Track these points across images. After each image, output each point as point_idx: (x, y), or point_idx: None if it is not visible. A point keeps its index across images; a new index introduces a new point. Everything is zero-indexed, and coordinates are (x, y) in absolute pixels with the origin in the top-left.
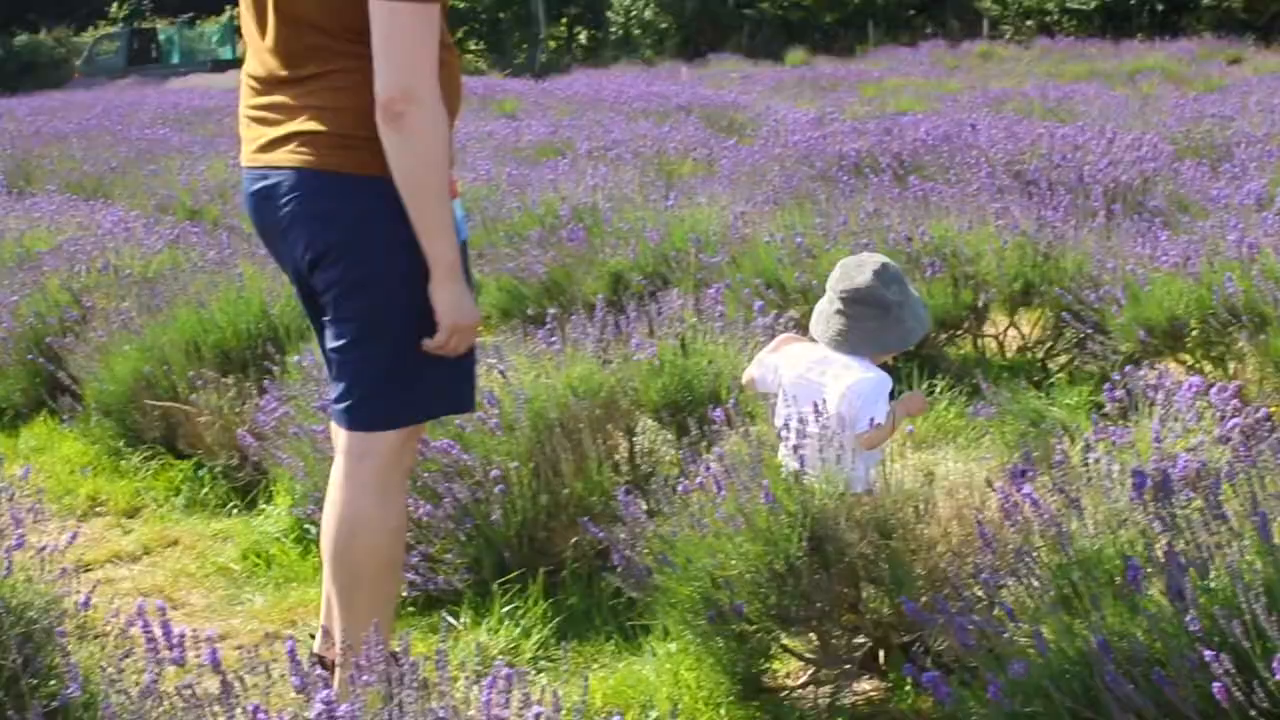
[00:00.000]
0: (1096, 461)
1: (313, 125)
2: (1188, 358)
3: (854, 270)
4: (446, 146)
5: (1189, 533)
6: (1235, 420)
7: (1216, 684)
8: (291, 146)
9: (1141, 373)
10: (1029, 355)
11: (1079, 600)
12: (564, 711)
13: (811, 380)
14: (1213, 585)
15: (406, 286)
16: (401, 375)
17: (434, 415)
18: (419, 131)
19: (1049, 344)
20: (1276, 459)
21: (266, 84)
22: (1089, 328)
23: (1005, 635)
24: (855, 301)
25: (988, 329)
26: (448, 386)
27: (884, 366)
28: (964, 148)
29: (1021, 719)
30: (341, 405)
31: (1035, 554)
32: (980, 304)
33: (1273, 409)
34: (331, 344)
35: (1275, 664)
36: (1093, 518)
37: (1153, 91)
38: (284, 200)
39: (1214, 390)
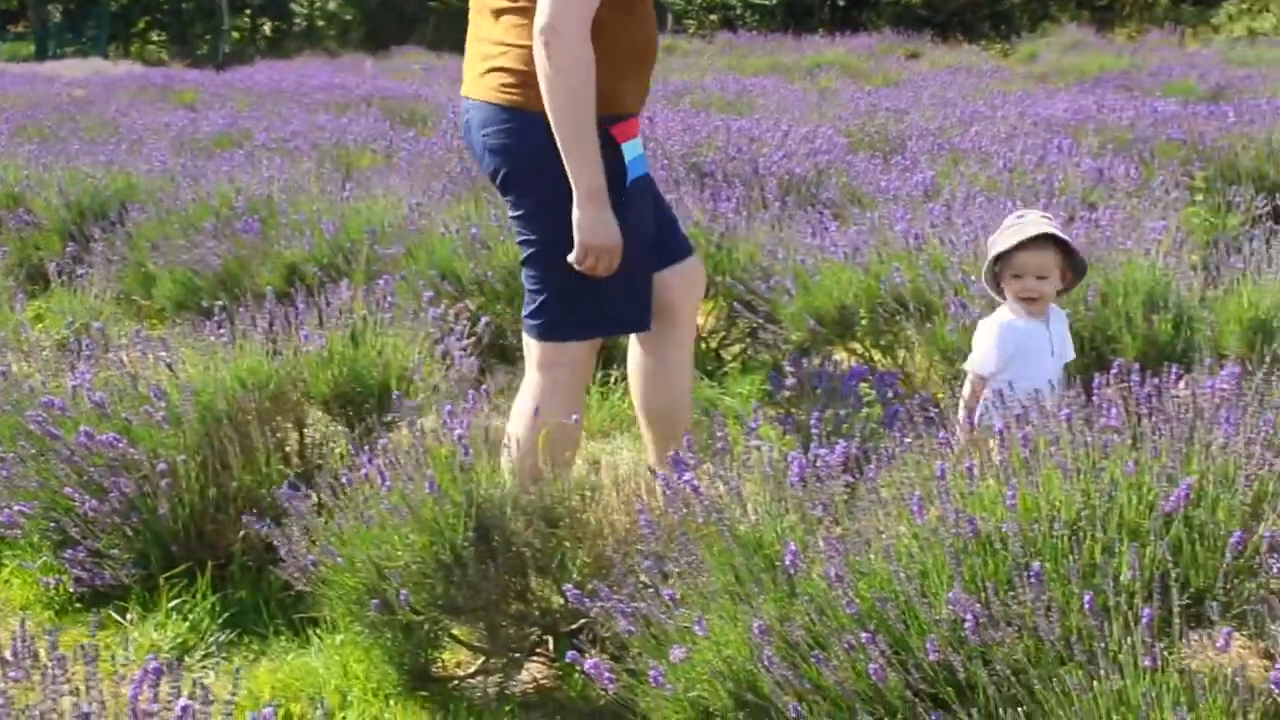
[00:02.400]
0: (758, 448)
1: (502, 62)
2: (858, 346)
3: None
4: (586, 81)
5: (847, 517)
6: (897, 407)
7: (873, 665)
8: (484, 81)
9: (808, 361)
10: (703, 345)
11: (740, 585)
12: (215, 704)
13: None
14: (869, 568)
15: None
16: (573, 295)
17: (608, 333)
18: (558, 63)
19: (722, 334)
20: (935, 444)
21: (475, 21)
22: (761, 318)
23: (668, 621)
24: None
25: None
26: (619, 307)
27: None
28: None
29: (685, 704)
30: (529, 319)
31: (698, 540)
32: None
33: (938, 395)
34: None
35: (929, 644)
36: (755, 504)
37: (831, 86)
38: (476, 131)
39: (876, 377)
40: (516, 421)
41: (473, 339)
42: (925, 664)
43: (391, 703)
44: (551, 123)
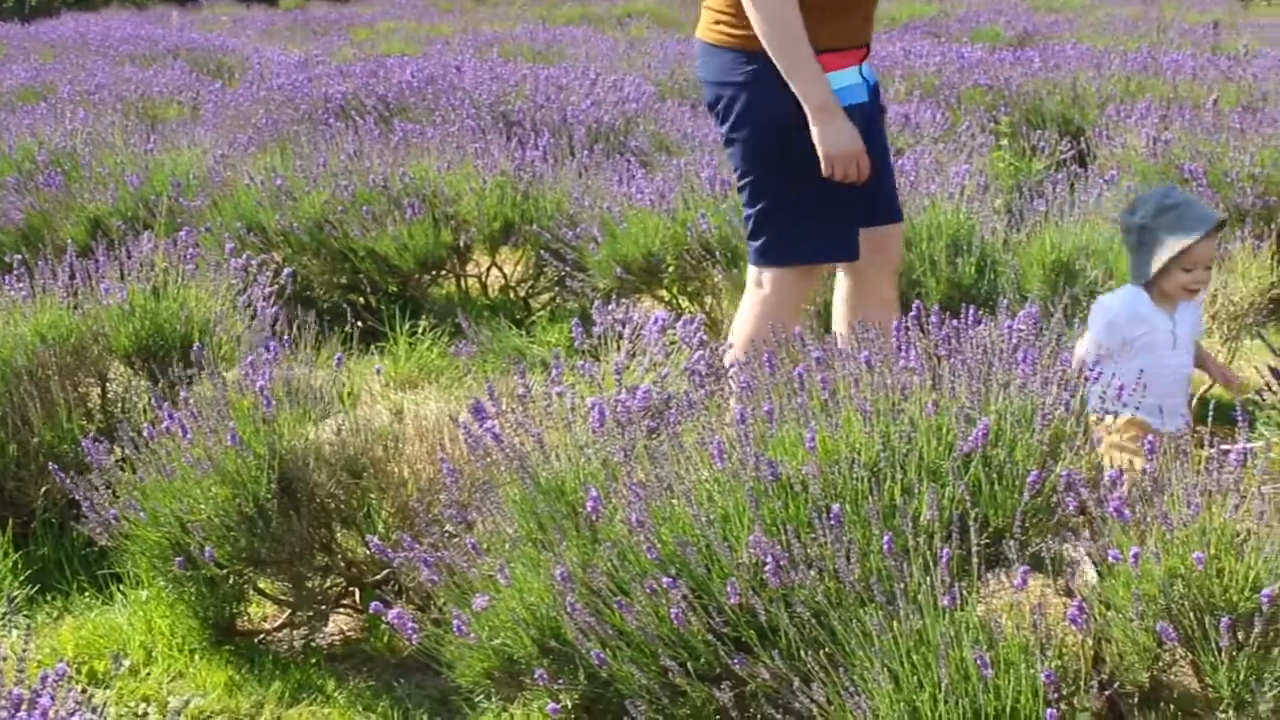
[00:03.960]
0: (560, 395)
1: (711, 2)
2: (665, 293)
3: None
4: (787, 10)
5: (649, 462)
6: (700, 353)
7: (674, 609)
8: (702, 20)
9: (610, 308)
10: (511, 294)
11: (543, 532)
12: (8, 661)
13: None
14: (671, 513)
15: (774, 145)
16: (779, 222)
17: (816, 261)
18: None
19: (531, 282)
20: (738, 387)
21: None
22: (568, 266)
23: (471, 570)
24: (1123, 235)
25: (470, 269)
26: (827, 237)
27: None
28: (449, 90)
29: (489, 652)
30: (749, 243)
31: (501, 488)
32: (462, 244)
33: None
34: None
35: (730, 588)
36: (558, 451)
37: (642, 35)
38: (701, 67)
39: (680, 323)
40: (735, 339)
41: (276, 289)
42: (727, 607)
43: (196, 658)
44: (768, 51)
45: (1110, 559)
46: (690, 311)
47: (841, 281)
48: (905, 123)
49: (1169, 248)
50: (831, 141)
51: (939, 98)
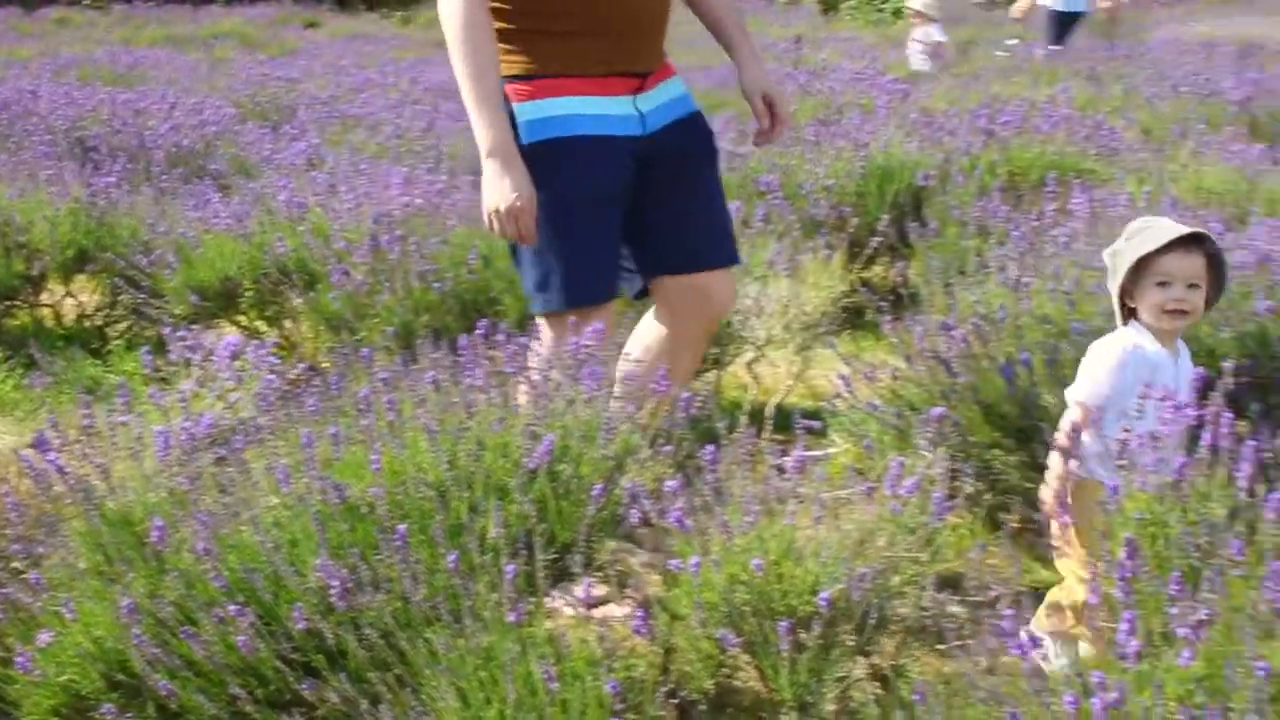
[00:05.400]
0: (125, 425)
1: None
2: (244, 318)
3: None
4: (466, 37)
5: (217, 490)
6: (271, 378)
7: (241, 637)
8: None
9: (181, 334)
10: (88, 323)
11: (110, 565)
12: None
13: None
14: (239, 540)
15: None
16: (527, 270)
17: (562, 307)
18: (442, 21)
19: (107, 311)
20: (306, 412)
21: None
22: (144, 293)
23: (35, 605)
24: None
25: (45, 298)
26: (561, 278)
27: None
28: (23, 115)
29: (56, 689)
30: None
31: (67, 521)
32: (35, 273)
33: (324, 364)
34: None
35: (297, 613)
36: (125, 482)
37: (227, 56)
38: None
39: (251, 348)
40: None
41: None
42: (295, 633)
43: None
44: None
45: (673, 568)
46: (269, 335)
47: (651, 324)
48: None
49: (1128, 260)
50: (487, 192)
51: None
